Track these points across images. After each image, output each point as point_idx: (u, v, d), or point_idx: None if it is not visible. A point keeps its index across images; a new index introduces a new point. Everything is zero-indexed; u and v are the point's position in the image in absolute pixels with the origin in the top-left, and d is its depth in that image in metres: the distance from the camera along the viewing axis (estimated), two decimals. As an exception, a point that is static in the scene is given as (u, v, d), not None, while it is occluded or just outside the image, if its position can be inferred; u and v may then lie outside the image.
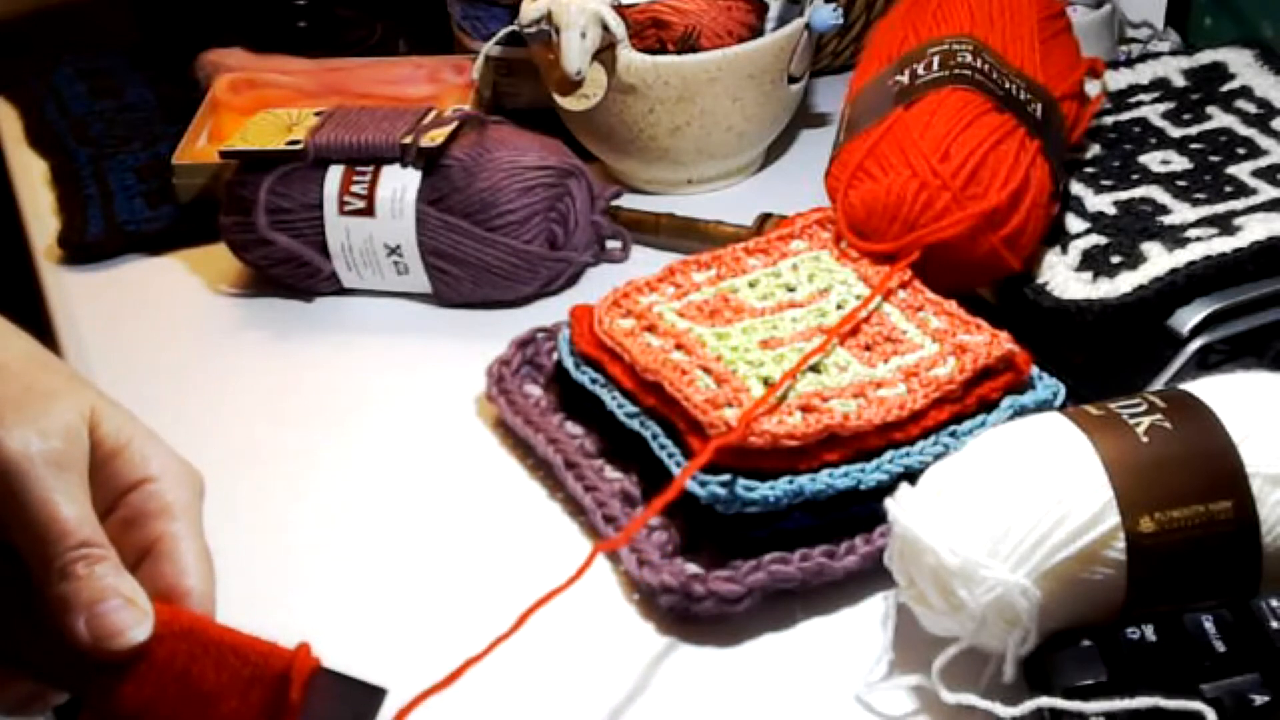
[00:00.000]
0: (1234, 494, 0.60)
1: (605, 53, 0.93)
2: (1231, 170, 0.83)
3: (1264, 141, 0.86)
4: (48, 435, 0.53)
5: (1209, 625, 0.59)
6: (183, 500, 0.56)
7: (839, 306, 0.75)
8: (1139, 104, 0.92)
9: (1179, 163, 0.85)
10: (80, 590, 0.52)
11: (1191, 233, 0.77)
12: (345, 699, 0.53)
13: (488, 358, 0.81)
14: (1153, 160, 0.86)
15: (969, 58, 0.81)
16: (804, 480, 0.67)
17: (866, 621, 0.67)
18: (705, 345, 0.73)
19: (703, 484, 0.67)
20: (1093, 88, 0.90)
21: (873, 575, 0.66)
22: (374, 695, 0.54)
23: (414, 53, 1.12)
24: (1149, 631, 0.59)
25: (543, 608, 0.60)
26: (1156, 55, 0.96)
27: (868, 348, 0.73)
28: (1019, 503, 0.60)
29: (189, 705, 0.53)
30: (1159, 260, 0.75)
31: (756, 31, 0.96)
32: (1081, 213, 0.82)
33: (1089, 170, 0.86)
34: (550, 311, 0.87)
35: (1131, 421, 0.62)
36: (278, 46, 1.11)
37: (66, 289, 0.95)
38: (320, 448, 0.80)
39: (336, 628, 0.69)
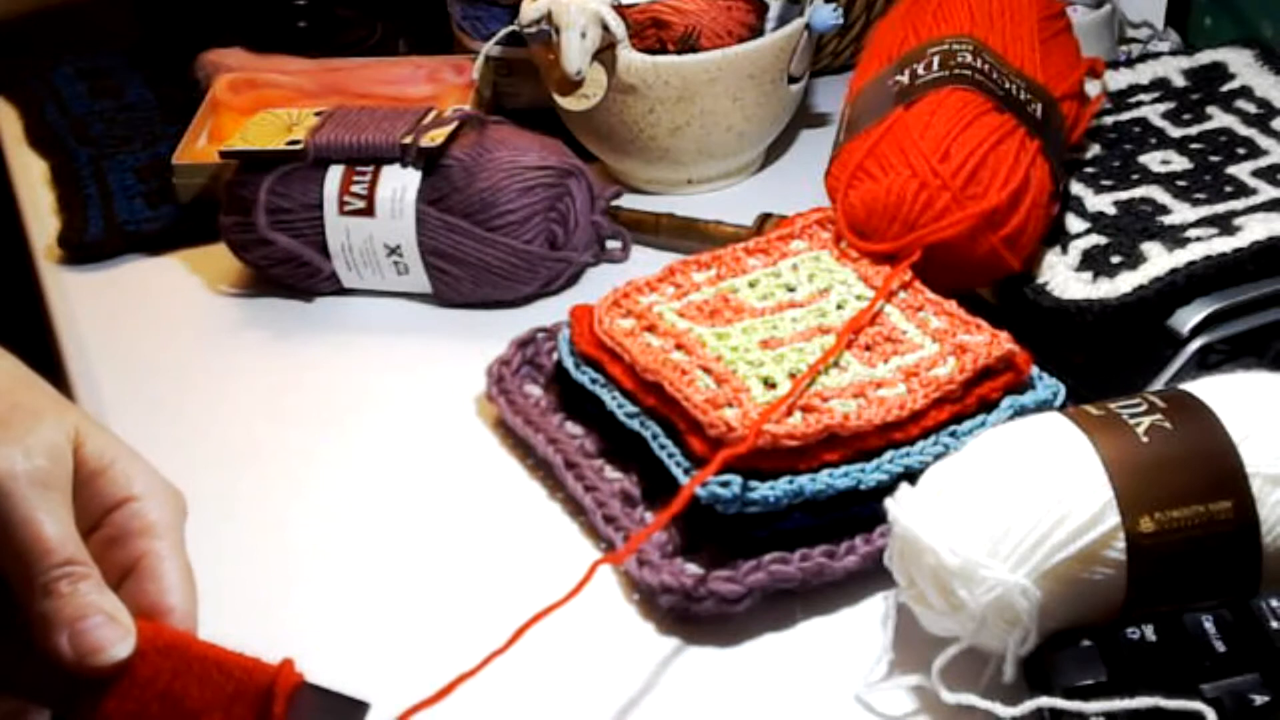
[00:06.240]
0: (1234, 494, 0.60)
1: (605, 53, 0.93)
2: (1231, 170, 0.83)
3: (1264, 141, 0.86)
4: (32, 454, 0.53)
5: (1209, 625, 0.59)
6: (165, 520, 0.56)
7: (839, 307, 0.75)
8: (1139, 104, 0.92)
9: (1179, 163, 0.85)
10: (63, 607, 0.52)
11: (1191, 233, 0.77)
12: (329, 713, 0.54)
13: (488, 358, 0.81)
14: (1153, 160, 0.86)
15: (969, 58, 0.81)
16: (804, 480, 0.67)
17: (866, 621, 0.67)
18: (705, 345, 0.73)
19: (703, 484, 0.66)
20: (1093, 88, 0.90)
21: (873, 575, 0.66)
22: (357, 709, 0.54)
23: (414, 53, 1.12)
24: (1149, 631, 0.59)
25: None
26: (1156, 55, 0.96)
27: (868, 348, 0.73)
28: (1019, 503, 0.60)
29: None
30: (1159, 260, 0.75)
31: (756, 31, 0.96)
32: (1081, 213, 0.82)
33: (1089, 170, 0.86)
34: (550, 311, 0.87)
35: (1131, 421, 0.62)
36: (278, 46, 1.11)
37: (66, 289, 0.95)
38: (320, 448, 0.80)
39: (335, 627, 0.69)
